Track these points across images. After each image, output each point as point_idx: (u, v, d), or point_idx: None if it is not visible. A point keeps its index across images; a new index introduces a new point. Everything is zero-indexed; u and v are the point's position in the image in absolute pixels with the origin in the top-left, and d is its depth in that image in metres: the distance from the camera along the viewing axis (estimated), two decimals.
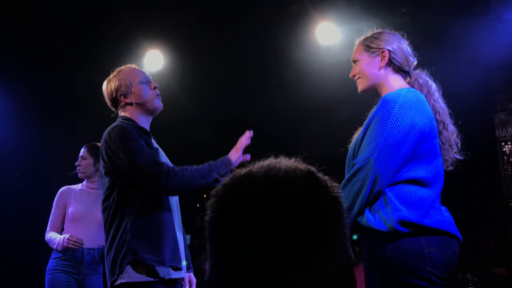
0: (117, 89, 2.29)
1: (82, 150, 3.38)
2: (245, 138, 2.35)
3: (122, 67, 2.40)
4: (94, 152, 3.35)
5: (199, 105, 5.83)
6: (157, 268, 2.04)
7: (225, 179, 0.73)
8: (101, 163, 2.21)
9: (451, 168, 1.98)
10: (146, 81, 2.33)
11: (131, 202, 2.09)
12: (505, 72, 5.11)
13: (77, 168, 3.35)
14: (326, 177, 0.73)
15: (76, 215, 3.22)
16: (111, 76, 2.37)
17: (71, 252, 3.11)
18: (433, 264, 1.70)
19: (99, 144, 3.38)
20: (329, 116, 5.55)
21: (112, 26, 4.71)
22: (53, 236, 3.18)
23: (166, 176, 2.04)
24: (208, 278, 0.71)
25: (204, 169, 2.16)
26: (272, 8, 4.71)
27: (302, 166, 0.72)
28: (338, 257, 0.68)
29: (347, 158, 1.98)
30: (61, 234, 3.23)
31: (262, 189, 0.68)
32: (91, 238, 3.21)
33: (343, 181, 1.83)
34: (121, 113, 2.33)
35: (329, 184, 0.72)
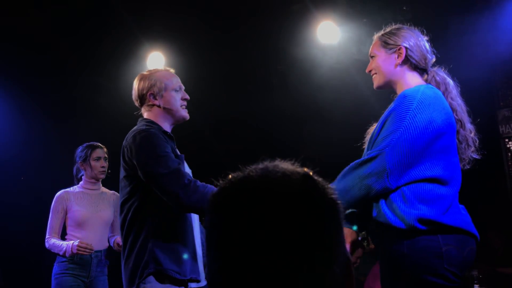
0: (149, 88, 2.24)
1: (100, 150, 3.32)
2: None
3: (160, 68, 2.37)
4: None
5: (201, 106, 5.83)
6: (179, 279, 2.01)
7: (223, 183, 0.73)
8: (122, 165, 2.16)
9: (468, 167, 1.97)
10: (179, 88, 2.31)
11: (153, 208, 2.04)
12: (508, 68, 5.08)
13: (102, 169, 3.29)
14: (322, 179, 0.73)
15: (81, 219, 3.19)
16: (145, 73, 2.32)
17: (79, 255, 3.08)
18: (450, 262, 1.70)
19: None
20: (331, 116, 5.54)
21: (114, 28, 4.72)
22: (57, 243, 3.13)
23: (185, 189, 1.96)
24: (209, 285, 0.70)
25: None
26: (273, 8, 4.71)
27: (299, 169, 0.72)
28: (339, 258, 0.68)
29: (363, 153, 1.98)
30: (63, 239, 3.20)
31: (260, 193, 0.68)
32: (98, 241, 3.19)
33: (352, 163, 1.83)
34: (145, 113, 2.28)
35: (326, 186, 0.72)
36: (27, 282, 5.13)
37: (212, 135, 6.20)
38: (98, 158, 3.29)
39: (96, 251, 3.15)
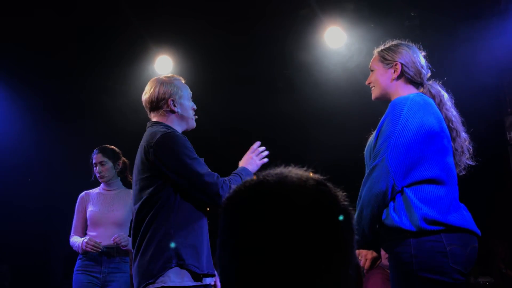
0: (170, 94, 2.31)
1: (96, 156, 3.38)
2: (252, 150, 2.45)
3: (178, 77, 2.43)
4: (110, 154, 3.39)
5: (208, 109, 5.84)
6: (198, 273, 2.11)
7: (238, 186, 0.75)
8: (144, 165, 2.20)
9: (464, 173, 2.07)
10: (191, 98, 2.42)
11: (176, 207, 2.14)
12: None
13: (98, 175, 3.36)
14: (334, 186, 0.76)
15: (93, 218, 3.30)
16: (165, 78, 2.37)
17: (90, 253, 3.19)
18: (455, 260, 1.78)
19: (112, 147, 3.43)
20: (337, 120, 5.55)
21: (122, 32, 4.75)
22: (74, 240, 3.28)
23: (221, 187, 2.15)
24: (223, 286, 0.72)
25: (241, 179, 2.26)
26: (281, 13, 4.73)
27: (313, 175, 0.75)
28: (353, 261, 0.72)
29: (365, 161, 2.08)
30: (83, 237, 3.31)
31: (277, 198, 0.70)
32: (108, 238, 3.24)
33: (363, 180, 1.94)
34: (157, 117, 2.33)
35: (338, 194, 0.75)
36: (35, 282, 5.16)
37: (218, 138, 6.22)
38: (95, 164, 3.36)
39: (108, 248, 3.19)
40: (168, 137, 2.15)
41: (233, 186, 2.15)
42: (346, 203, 0.75)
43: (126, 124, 4.99)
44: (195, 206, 2.19)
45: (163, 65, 5.14)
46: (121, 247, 3.18)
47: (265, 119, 5.83)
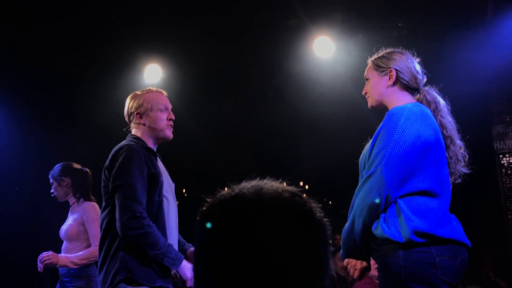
0: (136, 107, 2.38)
1: None
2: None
3: (153, 89, 2.48)
4: (53, 174, 3.34)
5: (198, 118, 5.84)
6: (148, 286, 2.11)
7: (213, 200, 0.74)
8: (103, 177, 2.27)
9: (459, 181, 2.05)
10: (165, 109, 2.41)
11: None
12: (502, 84, 5.14)
13: None
14: (310, 199, 0.76)
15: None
16: (138, 92, 2.45)
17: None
18: (444, 271, 1.78)
19: (63, 164, 3.37)
20: (326, 129, 5.57)
21: (112, 41, 4.74)
22: None
23: (136, 220, 2.08)
24: None
25: (163, 247, 2.12)
26: (270, 22, 4.75)
27: (287, 187, 0.75)
28: (329, 273, 0.72)
29: (359, 170, 2.06)
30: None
31: (252, 211, 0.70)
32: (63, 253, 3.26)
33: (356, 189, 1.93)
34: (133, 130, 2.42)
35: (313, 205, 0.75)
36: None
37: (209, 146, 6.21)
38: None
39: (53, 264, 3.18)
40: (121, 151, 2.21)
41: (152, 241, 2.05)
42: (321, 214, 0.75)
43: (116, 133, 4.96)
44: (149, 215, 2.15)
45: (153, 73, 5.14)
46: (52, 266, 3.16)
47: (255, 127, 5.83)
